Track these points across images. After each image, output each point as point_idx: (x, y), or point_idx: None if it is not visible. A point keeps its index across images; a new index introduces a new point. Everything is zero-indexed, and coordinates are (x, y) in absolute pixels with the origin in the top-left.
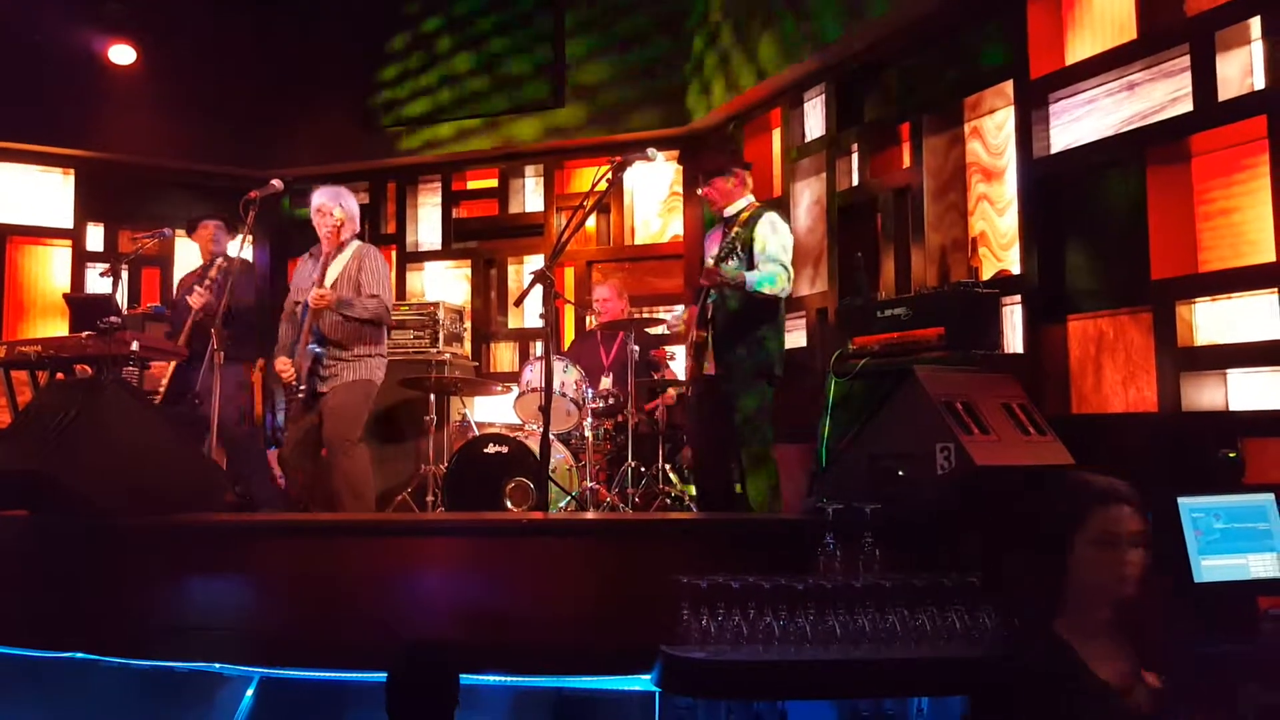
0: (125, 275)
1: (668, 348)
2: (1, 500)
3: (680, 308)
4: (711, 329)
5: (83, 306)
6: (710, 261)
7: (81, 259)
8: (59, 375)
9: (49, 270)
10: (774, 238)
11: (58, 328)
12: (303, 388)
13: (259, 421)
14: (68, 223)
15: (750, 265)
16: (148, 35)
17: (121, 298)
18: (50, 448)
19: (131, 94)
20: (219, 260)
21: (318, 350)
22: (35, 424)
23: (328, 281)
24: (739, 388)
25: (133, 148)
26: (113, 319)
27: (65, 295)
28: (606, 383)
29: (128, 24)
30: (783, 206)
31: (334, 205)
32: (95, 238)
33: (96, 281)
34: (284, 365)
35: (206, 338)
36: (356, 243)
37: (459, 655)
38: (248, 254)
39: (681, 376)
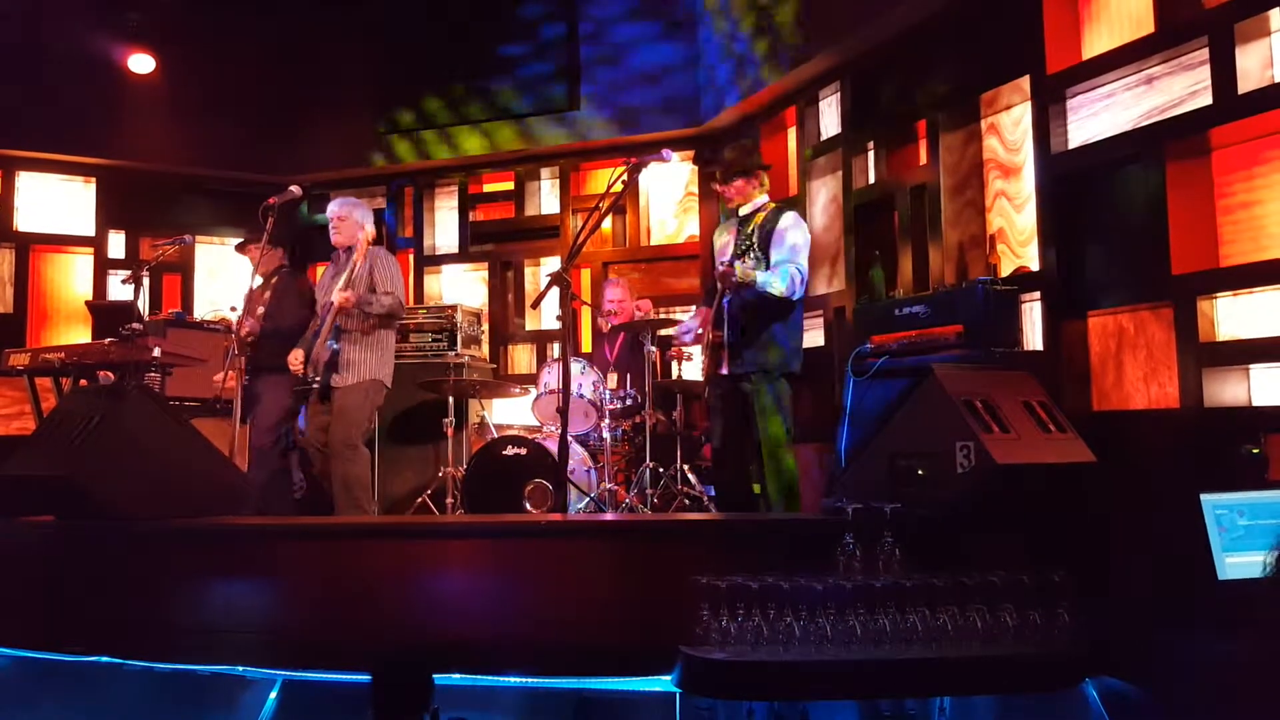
0: (146, 282)
1: (685, 348)
2: (27, 505)
3: (692, 310)
4: (727, 328)
5: (105, 313)
6: (722, 262)
7: (103, 266)
8: (82, 382)
9: (72, 278)
10: (789, 240)
11: (81, 335)
12: (317, 379)
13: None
14: (89, 230)
15: (767, 264)
16: (166, 44)
17: (143, 304)
18: (74, 453)
19: (151, 102)
20: (273, 279)
21: (335, 346)
22: (60, 430)
23: (343, 282)
24: (756, 386)
25: (153, 155)
26: (135, 325)
27: (88, 302)
28: (614, 381)
29: (146, 33)
30: (799, 205)
31: (339, 212)
32: (117, 245)
33: (118, 288)
34: (296, 357)
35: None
36: (368, 246)
37: (433, 657)
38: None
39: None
